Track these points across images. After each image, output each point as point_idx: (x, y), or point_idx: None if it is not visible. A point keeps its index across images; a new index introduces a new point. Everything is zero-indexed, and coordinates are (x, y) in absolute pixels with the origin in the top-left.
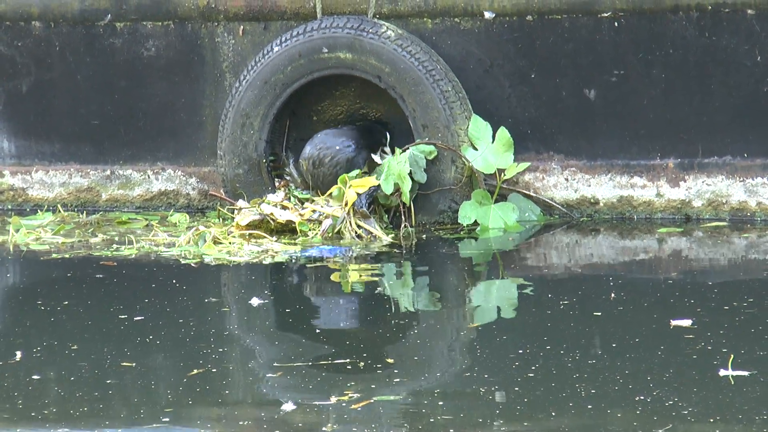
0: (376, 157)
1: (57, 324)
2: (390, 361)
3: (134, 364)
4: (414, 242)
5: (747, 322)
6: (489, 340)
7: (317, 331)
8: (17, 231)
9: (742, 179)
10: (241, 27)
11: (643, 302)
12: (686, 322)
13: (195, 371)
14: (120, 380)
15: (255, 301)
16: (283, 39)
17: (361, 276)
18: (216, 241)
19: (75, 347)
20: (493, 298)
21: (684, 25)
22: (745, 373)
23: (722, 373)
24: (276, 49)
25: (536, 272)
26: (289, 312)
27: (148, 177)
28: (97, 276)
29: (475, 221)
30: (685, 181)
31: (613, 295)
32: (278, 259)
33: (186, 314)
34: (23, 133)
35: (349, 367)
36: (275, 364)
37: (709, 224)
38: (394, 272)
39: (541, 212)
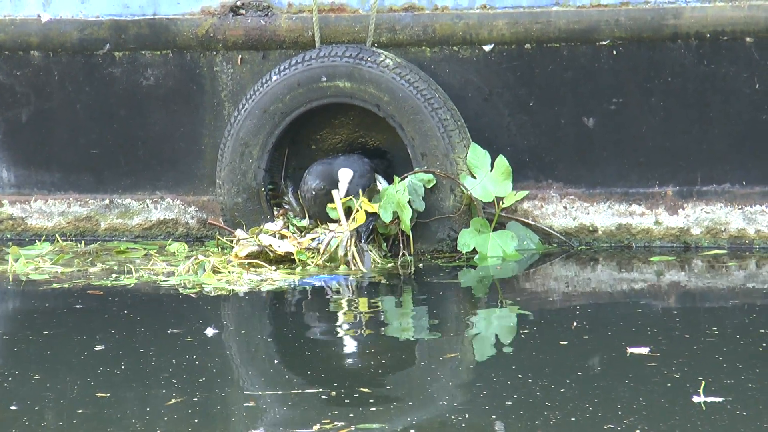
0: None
1: (28, 354)
2: (366, 390)
3: (109, 394)
4: (412, 270)
5: (707, 350)
6: (465, 370)
7: (305, 360)
8: (16, 261)
9: (740, 207)
10: (240, 56)
11: (607, 331)
12: (644, 350)
13: (173, 401)
14: (94, 411)
15: (210, 331)
16: (282, 68)
17: (354, 305)
18: (215, 271)
19: (60, 376)
20: (476, 328)
21: (683, 53)
22: (718, 399)
23: (695, 399)
24: (275, 78)
25: (529, 302)
26: (272, 342)
27: (147, 206)
28: (91, 305)
29: (474, 249)
30: (683, 209)
31: (575, 323)
32: (277, 288)
33: (175, 345)
34: (23, 162)
35: (333, 394)
36: (258, 393)
37: (707, 252)
38: (387, 301)
39: (540, 240)
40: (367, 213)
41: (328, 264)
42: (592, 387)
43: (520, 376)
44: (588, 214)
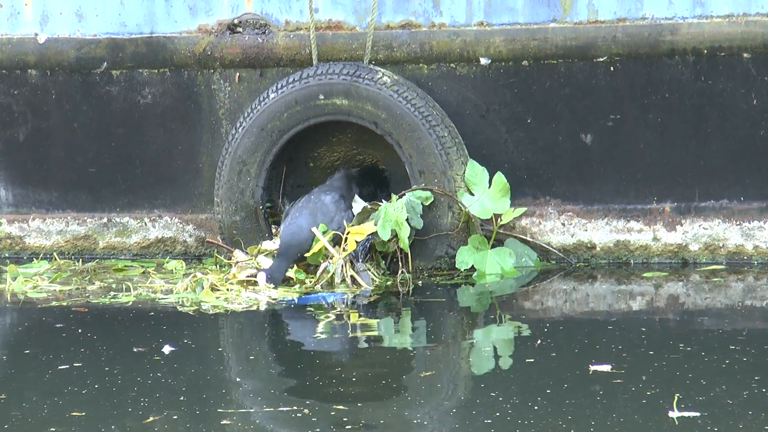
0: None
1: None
2: (342, 408)
3: (84, 413)
4: (411, 288)
5: (670, 367)
6: (438, 387)
7: (290, 377)
8: (14, 279)
9: (738, 223)
10: (237, 74)
11: (573, 348)
12: (606, 367)
13: (151, 419)
14: (68, 430)
15: (167, 349)
16: (279, 86)
17: (347, 323)
18: (213, 288)
19: (27, 395)
20: (454, 346)
21: (680, 69)
22: (694, 414)
23: (671, 414)
24: (272, 95)
25: (520, 320)
26: (262, 359)
27: (145, 224)
28: (87, 322)
29: (472, 266)
30: (681, 225)
31: (539, 342)
32: (275, 306)
33: (157, 360)
34: (20, 181)
35: (306, 411)
36: (241, 411)
37: (705, 268)
38: (382, 318)
39: (538, 257)
40: (357, 241)
41: (325, 288)
42: (563, 404)
43: (492, 394)
44: (586, 230)
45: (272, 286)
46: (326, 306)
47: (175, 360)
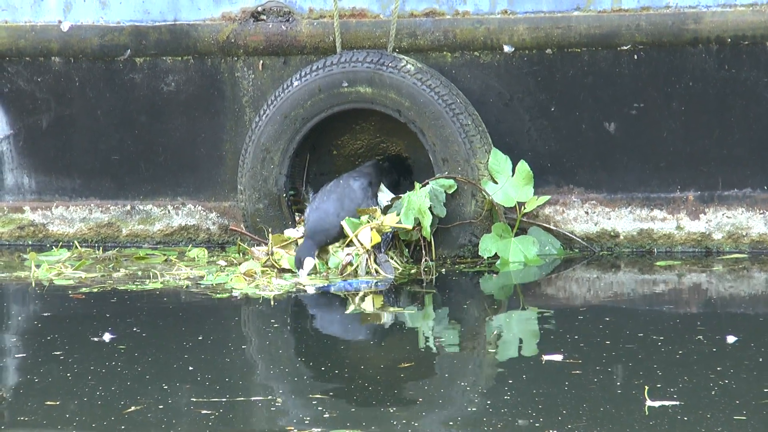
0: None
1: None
2: (320, 396)
3: (59, 402)
4: (435, 276)
5: (626, 356)
6: (410, 382)
7: (301, 363)
8: (38, 267)
9: (762, 212)
10: (261, 61)
11: (524, 337)
12: (558, 357)
13: (132, 408)
14: (47, 419)
15: (107, 336)
16: (303, 73)
17: (370, 309)
18: (246, 275)
19: None
20: (435, 337)
21: (704, 57)
22: (668, 402)
23: (648, 403)
24: (296, 83)
25: (542, 308)
26: (283, 345)
27: (169, 212)
28: (118, 307)
29: (496, 254)
30: (705, 214)
31: (495, 332)
32: (306, 292)
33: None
34: (43, 168)
35: (324, 399)
36: (223, 400)
37: (728, 257)
38: (404, 306)
39: (561, 246)
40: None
41: (350, 276)
42: (531, 393)
43: (462, 384)
44: (609, 219)
45: (303, 269)
46: (352, 293)
47: (199, 347)
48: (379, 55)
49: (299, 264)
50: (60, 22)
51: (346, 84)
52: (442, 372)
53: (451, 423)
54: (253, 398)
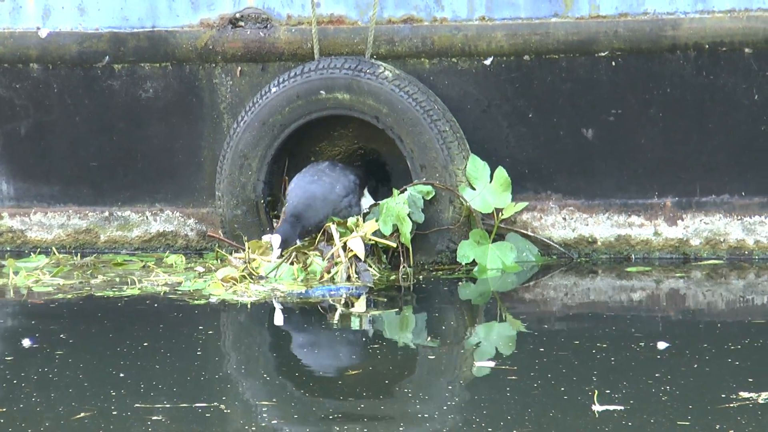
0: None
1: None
2: (338, 402)
3: (5, 409)
4: (412, 283)
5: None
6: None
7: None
8: (16, 274)
9: (740, 218)
10: (239, 68)
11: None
12: (490, 364)
13: (82, 414)
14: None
15: (26, 342)
16: (281, 80)
17: (348, 315)
18: (223, 281)
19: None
20: (417, 345)
21: (682, 64)
22: (617, 407)
23: (595, 408)
24: (274, 90)
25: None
26: (252, 352)
27: (147, 218)
28: (89, 318)
29: (474, 261)
30: (682, 220)
31: (428, 337)
32: (283, 298)
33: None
34: (22, 175)
35: (297, 406)
36: (157, 406)
37: (705, 263)
38: (382, 312)
39: (539, 252)
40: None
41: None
42: (473, 399)
43: (405, 391)
44: (587, 225)
45: (282, 251)
46: (330, 299)
47: (175, 354)
48: (357, 62)
49: (278, 242)
50: (38, 28)
51: (324, 91)
52: (387, 378)
53: (395, 430)
54: (200, 405)
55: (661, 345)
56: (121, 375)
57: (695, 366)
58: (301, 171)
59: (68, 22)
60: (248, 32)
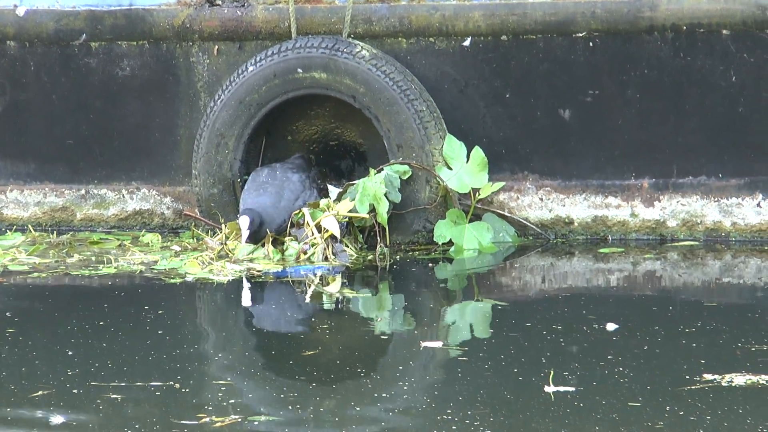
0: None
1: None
2: (313, 385)
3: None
4: (389, 263)
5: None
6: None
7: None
8: None
9: (716, 199)
10: (216, 47)
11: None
12: (437, 344)
13: (41, 393)
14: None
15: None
16: (258, 59)
17: (324, 295)
18: (199, 260)
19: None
20: (396, 323)
21: (659, 45)
22: (569, 389)
23: (547, 389)
24: (251, 69)
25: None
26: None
27: (123, 196)
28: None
29: (450, 241)
30: (659, 201)
31: (378, 317)
32: (259, 278)
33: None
34: None
35: (277, 388)
36: (122, 384)
37: (681, 244)
38: (358, 291)
39: (516, 233)
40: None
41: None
42: (423, 380)
43: (359, 371)
44: (564, 206)
45: (251, 232)
46: (307, 279)
47: (158, 332)
48: (334, 41)
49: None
50: (15, 6)
51: (301, 70)
52: (339, 359)
53: (347, 410)
54: (155, 383)
55: (610, 327)
56: (70, 353)
57: (645, 348)
58: (244, 188)
59: (45, 0)
60: (225, 11)
